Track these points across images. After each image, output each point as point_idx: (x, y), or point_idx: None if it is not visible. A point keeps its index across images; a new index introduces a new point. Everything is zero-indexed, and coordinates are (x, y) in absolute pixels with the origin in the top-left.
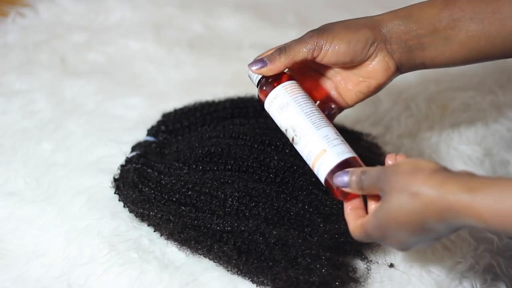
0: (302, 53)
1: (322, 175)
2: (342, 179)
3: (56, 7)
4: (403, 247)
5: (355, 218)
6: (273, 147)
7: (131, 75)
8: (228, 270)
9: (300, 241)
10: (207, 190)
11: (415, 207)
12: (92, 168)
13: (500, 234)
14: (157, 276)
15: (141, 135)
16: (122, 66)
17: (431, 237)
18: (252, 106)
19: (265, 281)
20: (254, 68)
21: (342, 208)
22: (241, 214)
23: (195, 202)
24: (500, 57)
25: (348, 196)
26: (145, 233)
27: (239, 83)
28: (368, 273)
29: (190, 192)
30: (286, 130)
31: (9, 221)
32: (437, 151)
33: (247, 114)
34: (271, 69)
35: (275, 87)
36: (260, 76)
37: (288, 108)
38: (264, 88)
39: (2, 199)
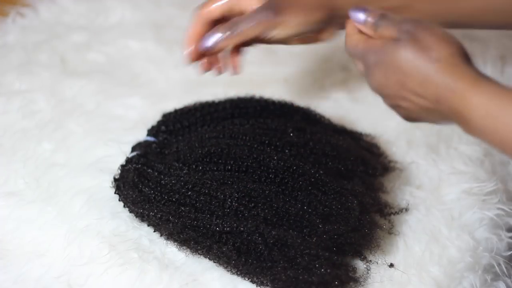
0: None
1: None
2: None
3: (56, 7)
4: (377, 89)
5: (359, 32)
6: (272, 147)
7: (131, 75)
8: (227, 271)
9: (299, 241)
10: (206, 191)
11: (426, 68)
12: (92, 168)
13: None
14: (157, 276)
15: (141, 135)
16: (122, 66)
17: (411, 104)
18: (252, 106)
19: (264, 281)
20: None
21: (341, 209)
22: (240, 215)
23: (194, 202)
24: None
25: None
26: (145, 233)
27: (239, 83)
28: (368, 273)
29: (189, 193)
30: None
31: (9, 221)
32: (437, 151)
33: (247, 114)
34: None
35: None
36: None
37: None
38: None
39: (2, 199)
